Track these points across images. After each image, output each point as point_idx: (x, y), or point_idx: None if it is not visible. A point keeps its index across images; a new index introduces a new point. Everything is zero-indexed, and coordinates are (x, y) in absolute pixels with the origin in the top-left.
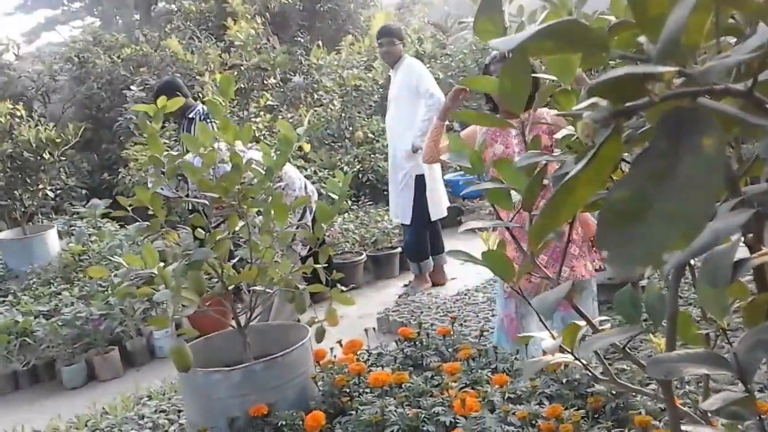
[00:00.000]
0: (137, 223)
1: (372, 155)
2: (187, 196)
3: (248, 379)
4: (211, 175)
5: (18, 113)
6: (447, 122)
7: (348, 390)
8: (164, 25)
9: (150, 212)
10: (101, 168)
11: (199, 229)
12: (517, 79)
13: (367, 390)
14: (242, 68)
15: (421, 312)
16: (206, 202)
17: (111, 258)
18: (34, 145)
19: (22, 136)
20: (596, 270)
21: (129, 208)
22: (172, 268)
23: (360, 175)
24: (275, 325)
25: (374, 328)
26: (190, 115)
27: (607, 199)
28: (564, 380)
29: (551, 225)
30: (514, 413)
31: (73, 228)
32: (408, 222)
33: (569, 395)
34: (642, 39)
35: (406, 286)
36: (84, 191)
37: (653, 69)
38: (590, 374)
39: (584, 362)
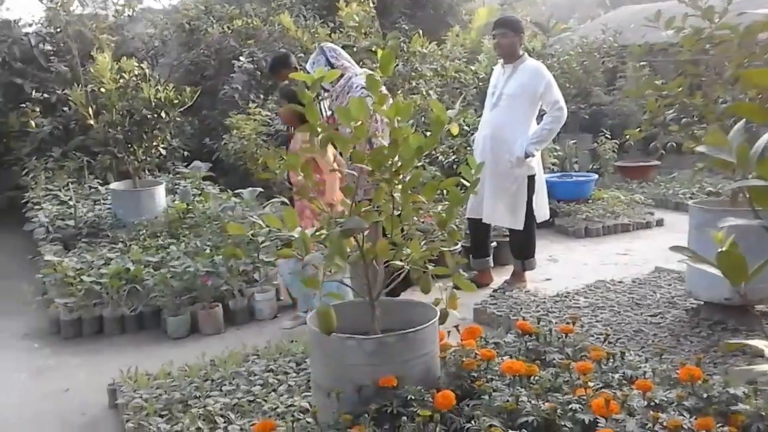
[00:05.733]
0: (251, 188)
1: (467, 147)
2: None
3: (380, 350)
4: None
5: (139, 72)
6: None
7: (476, 374)
8: (271, 0)
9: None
10: (201, 132)
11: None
12: None
13: (495, 377)
14: (354, 49)
15: (520, 309)
16: (355, 173)
17: (214, 220)
18: (153, 103)
19: (142, 94)
20: None
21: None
22: (323, 233)
23: (454, 166)
24: (399, 301)
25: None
26: None
27: None
28: (704, 395)
29: None
30: (662, 423)
31: (177, 186)
32: (521, 227)
33: (709, 411)
34: None
35: (506, 282)
36: (185, 153)
37: None
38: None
39: None
